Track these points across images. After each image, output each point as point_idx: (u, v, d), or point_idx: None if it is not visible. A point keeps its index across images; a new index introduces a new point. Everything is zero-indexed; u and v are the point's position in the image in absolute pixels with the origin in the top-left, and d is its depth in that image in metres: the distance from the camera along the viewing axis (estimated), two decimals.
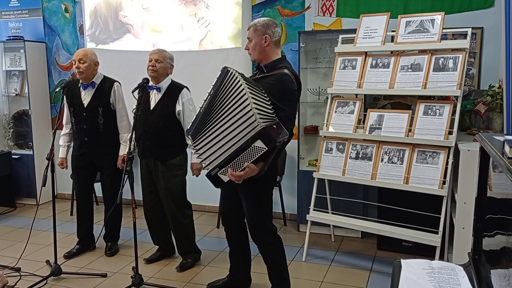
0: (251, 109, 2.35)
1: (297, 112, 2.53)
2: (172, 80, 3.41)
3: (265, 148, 2.36)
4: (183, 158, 3.40)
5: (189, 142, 3.24)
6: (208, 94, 2.56)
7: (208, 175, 2.53)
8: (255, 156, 2.38)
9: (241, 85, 2.39)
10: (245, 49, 2.77)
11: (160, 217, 3.53)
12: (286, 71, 2.61)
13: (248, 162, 2.40)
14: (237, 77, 2.42)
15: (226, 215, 2.98)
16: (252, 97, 2.38)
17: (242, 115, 2.37)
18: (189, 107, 3.33)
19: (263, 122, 2.36)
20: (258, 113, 2.36)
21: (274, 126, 2.40)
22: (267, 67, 2.67)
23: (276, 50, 2.70)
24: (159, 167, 3.35)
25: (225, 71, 2.49)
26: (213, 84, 2.53)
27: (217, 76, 2.53)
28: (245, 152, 2.39)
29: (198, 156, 2.59)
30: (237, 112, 2.39)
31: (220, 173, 2.49)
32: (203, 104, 2.55)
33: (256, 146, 2.37)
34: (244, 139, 2.38)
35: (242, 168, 2.41)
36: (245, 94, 2.36)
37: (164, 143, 3.32)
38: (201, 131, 2.53)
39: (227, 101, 2.43)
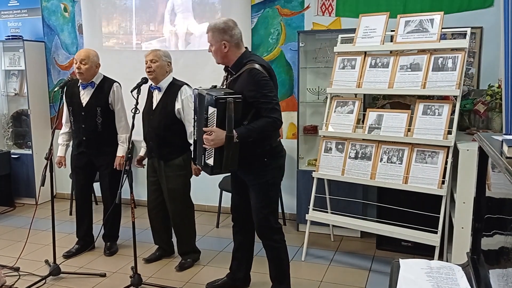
0: (201, 94, 2.61)
1: (277, 97, 2.66)
2: (173, 78, 3.40)
3: (215, 110, 2.50)
4: (186, 159, 3.37)
5: (191, 141, 3.32)
6: (193, 120, 2.83)
7: (201, 167, 2.76)
8: (214, 121, 2.52)
9: (203, 94, 2.61)
10: (209, 51, 2.78)
11: (163, 217, 3.53)
12: (253, 65, 2.61)
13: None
14: (201, 92, 2.65)
15: (235, 210, 2.99)
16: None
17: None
18: (189, 104, 3.29)
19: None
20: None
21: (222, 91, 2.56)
22: (234, 68, 2.71)
23: (238, 50, 2.71)
24: (162, 167, 3.37)
25: (196, 94, 2.74)
26: (193, 108, 2.84)
27: (194, 100, 2.80)
28: (208, 124, 2.57)
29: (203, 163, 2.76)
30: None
31: (206, 159, 2.65)
32: (194, 131, 2.81)
33: (210, 114, 2.54)
34: (204, 117, 2.60)
35: (209, 133, 2.53)
36: (203, 94, 2.61)
37: (166, 142, 3.32)
38: (201, 153, 2.72)
39: (202, 115, 2.64)
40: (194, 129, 2.83)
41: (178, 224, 3.47)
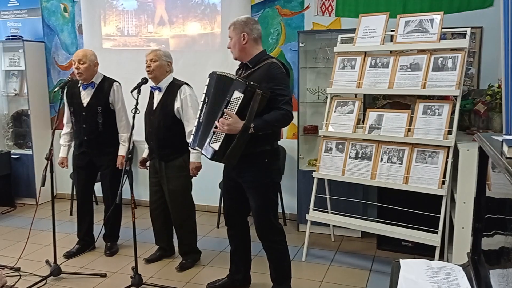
0: (228, 76, 2.56)
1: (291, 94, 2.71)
2: (174, 78, 3.40)
3: (241, 96, 2.47)
4: (187, 160, 3.36)
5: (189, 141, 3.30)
6: (202, 102, 2.72)
7: (201, 149, 2.67)
8: (236, 107, 2.49)
9: (232, 78, 2.59)
10: (228, 47, 2.81)
11: (164, 217, 3.53)
12: (272, 59, 2.69)
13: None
14: (228, 75, 2.61)
15: (229, 214, 2.98)
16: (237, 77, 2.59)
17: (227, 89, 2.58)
18: (188, 103, 3.29)
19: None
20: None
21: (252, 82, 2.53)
22: (252, 62, 2.73)
23: (256, 46, 2.75)
24: (163, 168, 3.37)
25: (215, 76, 2.66)
26: (206, 92, 2.71)
27: (208, 83, 2.70)
28: (228, 108, 2.52)
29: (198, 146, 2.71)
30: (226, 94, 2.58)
31: (211, 143, 2.59)
32: (201, 113, 2.71)
33: (234, 98, 2.51)
34: (226, 100, 2.55)
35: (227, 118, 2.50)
36: (232, 77, 2.58)
37: (166, 143, 3.32)
38: (207, 135, 2.65)
39: (223, 98, 2.57)
40: (201, 111, 2.74)
41: (179, 225, 3.47)
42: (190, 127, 3.25)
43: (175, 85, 3.35)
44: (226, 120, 2.49)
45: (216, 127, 2.54)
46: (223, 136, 2.53)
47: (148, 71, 3.30)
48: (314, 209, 3.62)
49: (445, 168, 3.08)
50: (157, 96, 3.36)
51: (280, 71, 2.63)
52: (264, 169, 2.70)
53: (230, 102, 2.53)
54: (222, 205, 4.31)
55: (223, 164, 2.90)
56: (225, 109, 2.52)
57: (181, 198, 3.40)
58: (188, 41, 4.70)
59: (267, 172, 2.71)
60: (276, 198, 2.86)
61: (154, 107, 3.36)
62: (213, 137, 2.58)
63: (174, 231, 3.58)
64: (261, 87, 2.52)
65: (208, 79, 2.76)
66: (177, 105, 3.29)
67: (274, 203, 2.81)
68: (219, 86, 2.64)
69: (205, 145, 2.63)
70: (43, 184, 3.05)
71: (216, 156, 2.56)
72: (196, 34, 4.66)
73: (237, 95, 2.50)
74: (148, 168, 3.55)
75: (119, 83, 3.66)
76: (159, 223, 3.57)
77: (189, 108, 3.28)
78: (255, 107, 2.48)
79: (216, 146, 2.55)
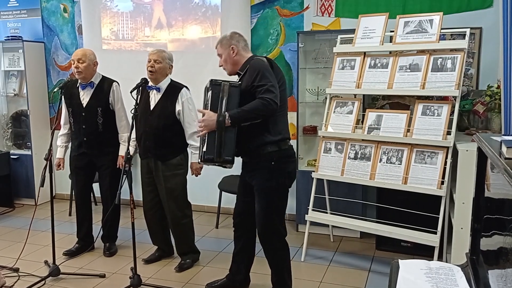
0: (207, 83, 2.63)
1: (276, 83, 2.61)
2: (171, 80, 3.40)
3: (211, 92, 2.57)
4: (183, 158, 3.39)
5: (190, 142, 3.31)
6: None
7: (200, 157, 2.72)
8: (208, 102, 2.59)
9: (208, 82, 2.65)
10: (219, 65, 2.85)
11: (159, 217, 3.52)
12: (255, 57, 2.74)
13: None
14: (221, 83, 2.63)
15: (240, 216, 2.94)
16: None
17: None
18: (189, 106, 3.32)
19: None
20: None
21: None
22: (242, 69, 2.76)
23: (245, 54, 2.79)
24: (159, 167, 3.35)
25: (213, 83, 2.66)
26: (207, 98, 2.75)
27: (206, 89, 2.72)
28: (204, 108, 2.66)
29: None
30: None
31: (202, 147, 2.67)
32: None
33: (208, 98, 2.61)
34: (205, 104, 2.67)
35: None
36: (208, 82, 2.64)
37: (165, 143, 3.32)
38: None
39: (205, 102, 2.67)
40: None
41: (176, 224, 3.45)
42: (191, 129, 3.30)
43: (175, 87, 3.35)
44: (204, 117, 2.57)
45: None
46: (206, 135, 2.59)
47: (151, 71, 3.29)
48: (313, 210, 3.62)
49: (444, 169, 3.08)
50: (155, 96, 3.35)
51: (258, 62, 2.63)
52: (270, 171, 2.66)
53: (207, 103, 2.62)
54: (222, 205, 4.35)
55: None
56: (198, 109, 2.63)
57: (178, 196, 3.39)
58: (188, 45, 4.64)
59: (273, 174, 2.66)
60: (282, 203, 2.77)
61: (152, 107, 3.35)
62: (203, 141, 2.65)
63: (170, 231, 3.57)
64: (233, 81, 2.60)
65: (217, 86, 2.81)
66: (178, 107, 3.29)
67: (278, 207, 2.74)
68: (205, 92, 2.71)
69: (201, 152, 2.69)
70: (42, 185, 3.04)
71: (207, 156, 2.59)
72: (196, 38, 4.60)
73: (209, 94, 2.59)
74: (130, 166, 3.56)
75: (117, 83, 3.66)
76: (154, 223, 3.56)
77: (190, 111, 3.32)
78: (224, 98, 2.54)
79: (204, 147, 2.61)
